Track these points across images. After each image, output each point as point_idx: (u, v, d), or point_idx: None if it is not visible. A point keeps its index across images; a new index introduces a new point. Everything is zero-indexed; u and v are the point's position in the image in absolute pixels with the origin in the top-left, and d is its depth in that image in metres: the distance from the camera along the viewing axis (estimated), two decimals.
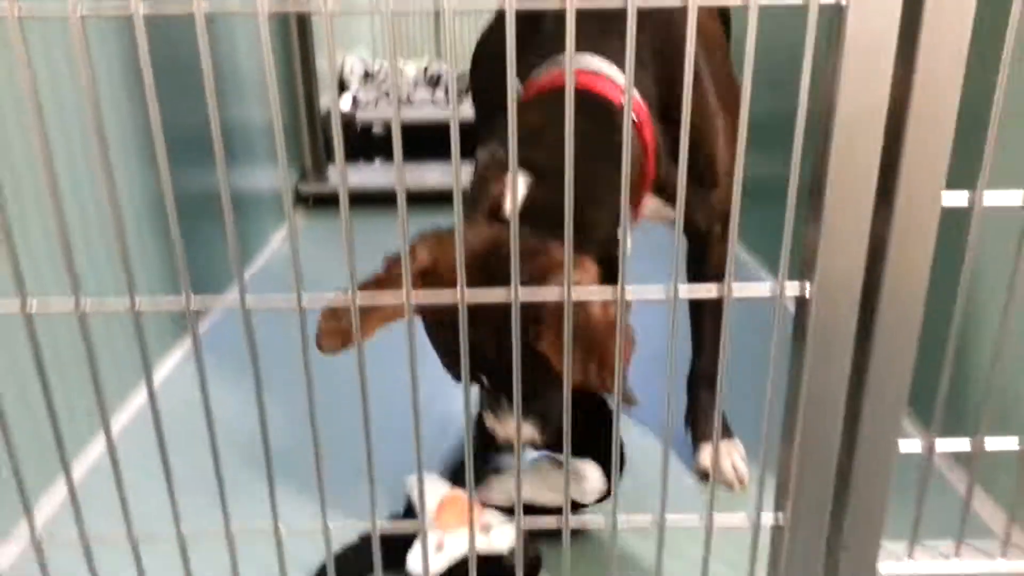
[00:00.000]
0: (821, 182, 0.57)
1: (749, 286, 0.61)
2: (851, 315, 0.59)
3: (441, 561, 0.94)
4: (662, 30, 1.02)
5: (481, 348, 0.85)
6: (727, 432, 1.27)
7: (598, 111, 0.96)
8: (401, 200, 0.60)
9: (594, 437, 1.07)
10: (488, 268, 0.83)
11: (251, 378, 0.66)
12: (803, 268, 0.61)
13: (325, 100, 2.86)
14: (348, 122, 2.97)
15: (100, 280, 1.33)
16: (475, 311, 0.81)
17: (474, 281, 0.78)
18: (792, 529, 0.70)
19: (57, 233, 0.59)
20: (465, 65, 3.47)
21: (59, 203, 0.59)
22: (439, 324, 0.92)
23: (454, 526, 0.96)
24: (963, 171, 0.66)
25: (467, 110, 2.95)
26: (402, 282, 0.86)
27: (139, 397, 1.47)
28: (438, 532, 0.96)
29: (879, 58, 0.54)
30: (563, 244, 0.80)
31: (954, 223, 0.66)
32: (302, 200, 2.64)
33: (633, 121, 1.00)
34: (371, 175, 2.82)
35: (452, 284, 0.82)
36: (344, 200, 0.60)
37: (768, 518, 0.70)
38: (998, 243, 1.10)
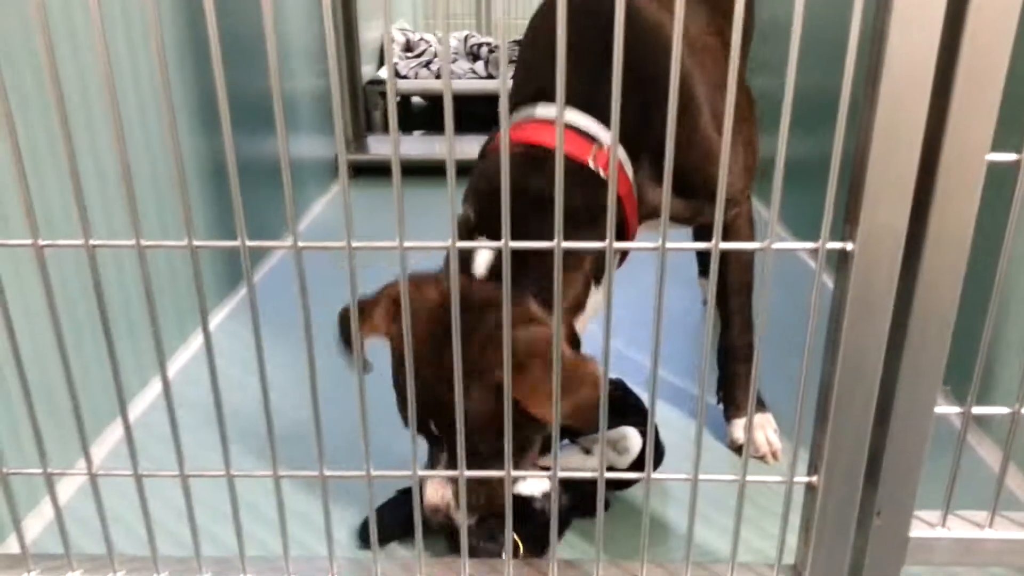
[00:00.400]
0: (866, 135, 0.57)
1: (791, 244, 0.62)
2: (893, 272, 0.59)
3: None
4: (647, 51, 0.99)
5: (434, 403, 0.88)
6: (761, 405, 1.28)
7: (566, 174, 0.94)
8: (451, 174, 0.61)
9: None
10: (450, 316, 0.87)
11: (292, 340, 0.69)
12: (845, 224, 0.61)
13: (366, 70, 2.88)
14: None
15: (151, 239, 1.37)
16: (429, 365, 0.87)
17: (437, 328, 0.88)
18: (825, 490, 0.71)
19: (122, 176, 0.61)
20: (507, 35, 3.40)
21: (125, 155, 0.61)
22: (400, 365, 0.94)
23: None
24: (1010, 138, 0.66)
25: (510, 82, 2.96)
26: (383, 303, 0.92)
27: (178, 361, 1.51)
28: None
29: (929, 8, 0.54)
30: (530, 298, 0.87)
31: (995, 192, 0.66)
32: None
33: (602, 176, 0.97)
34: (410, 146, 2.84)
35: (424, 323, 0.88)
36: (396, 173, 0.61)
37: (802, 479, 0.71)
38: None
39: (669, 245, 0.63)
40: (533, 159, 0.94)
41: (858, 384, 0.65)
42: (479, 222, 0.96)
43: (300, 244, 0.66)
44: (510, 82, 2.85)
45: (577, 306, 0.98)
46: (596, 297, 1.02)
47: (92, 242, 0.66)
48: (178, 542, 1.04)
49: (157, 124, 1.41)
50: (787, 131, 0.59)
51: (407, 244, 0.65)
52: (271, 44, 0.57)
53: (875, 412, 0.67)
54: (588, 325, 1.04)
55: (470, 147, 2.94)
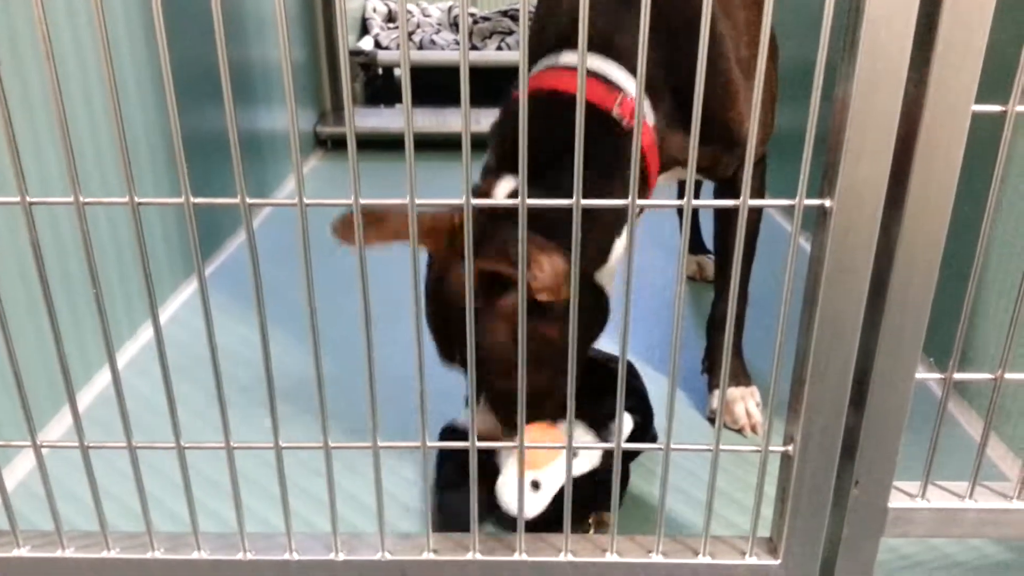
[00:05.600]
0: (847, 85, 0.54)
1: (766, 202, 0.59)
2: (872, 229, 0.56)
3: (543, 500, 0.89)
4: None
5: (459, 335, 0.86)
6: (745, 379, 1.25)
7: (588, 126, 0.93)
8: (409, 143, 0.58)
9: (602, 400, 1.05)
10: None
11: (252, 316, 0.65)
12: (824, 180, 0.58)
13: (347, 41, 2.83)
14: (369, 64, 2.93)
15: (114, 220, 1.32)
16: (450, 296, 0.88)
17: (456, 264, 0.88)
18: (801, 460, 0.68)
19: (60, 138, 0.58)
20: (491, 7, 3.40)
21: (63, 121, 0.57)
22: (435, 294, 0.93)
23: (543, 461, 0.91)
24: (995, 92, 0.63)
25: (487, 54, 2.90)
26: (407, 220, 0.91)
27: (147, 332, 1.47)
28: (531, 471, 0.90)
29: None
30: (540, 237, 0.83)
31: (977, 151, 0.63)
32: (320, 142, 2.62)
33: (625, 125, 0.95)
34: (392, 118, 2.79)
35: (444, 255, 0.88)
36: (351, 136, 0.57)
37: (777, 448, 0.69)
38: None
39: (640, 202, 0.60)
40: (553, 104, 0.93)
41: (836, 347, 0.62)
42: (500, 164, 0.96)
43: (248, 201, 0.62)
44: (482, 55, 2.77)
45: (599, 255, 0.96)
46: (619, 248, 1.00)
47: (29, 199, 0.62)
48: (137, 517, 1.00)
49: (135, 97, 1.36)
50: (761, 88, 0.56)
51: (363, 201, 0.62)
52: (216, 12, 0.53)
53: (854, 378, 0.64)
54: (614, 281, 1.02)
55: (454, 120, 2.89)
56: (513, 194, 0.91)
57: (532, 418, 0.93)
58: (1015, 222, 1.10)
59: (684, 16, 0.97)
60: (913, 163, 0.57)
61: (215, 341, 0.64)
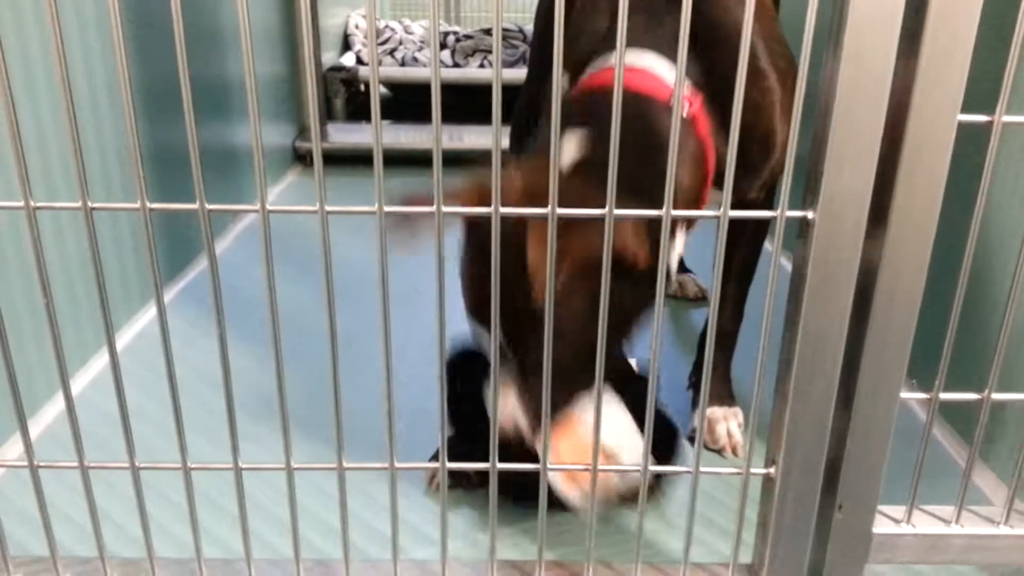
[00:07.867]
0: (829, 93, 0.52)
1: (747, 213, 0.57)
2: (856, 241, 0.54)
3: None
4: (707, 4, 0.96)
5: (509, 305, 0.78)
6: (730, 399, 1.23)
7: (646, 111, 0.91)
8: (378, 161, 0.55)
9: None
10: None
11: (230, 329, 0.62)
12: (806, 192, 0.56)
13: (328, 57, 2.81)
14: (352, 80, 2.91)
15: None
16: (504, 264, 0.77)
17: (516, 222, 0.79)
18: (783, 483, 0.65)
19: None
20: (474, 26, 3.40)
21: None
22: (478, 253, 0.88)
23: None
24: (982, 99, 0.61)
25: (469, 72, 2.90)
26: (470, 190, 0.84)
27: (121, 341, 1.43)
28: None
29: None
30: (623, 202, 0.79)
31: (964, 167, 0.61)
32: (300, 158, 2.59)
33: (687, 118, 0.94)
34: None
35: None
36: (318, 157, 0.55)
37: (759, 470, 0.66)
38: (1009, 185, 1.05)
39: (619, 212, 0.58)
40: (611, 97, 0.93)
41: (819, 364, 0.59)
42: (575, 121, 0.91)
43: (208, 207, 0.59)
44: (472, 74, 2.72)
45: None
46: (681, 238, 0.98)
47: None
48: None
49: (107, 108, 1.33)
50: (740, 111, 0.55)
51: (328, 208, 0.60)
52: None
53: (837, 397, 0.62)
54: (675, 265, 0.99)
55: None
56: (579, 159, 0.87)
57: (566, 391, 0.86)
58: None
59: (719, 19, 0.97)
60: (898, 173, 0.55)
61: (173, 368, 0.61)
